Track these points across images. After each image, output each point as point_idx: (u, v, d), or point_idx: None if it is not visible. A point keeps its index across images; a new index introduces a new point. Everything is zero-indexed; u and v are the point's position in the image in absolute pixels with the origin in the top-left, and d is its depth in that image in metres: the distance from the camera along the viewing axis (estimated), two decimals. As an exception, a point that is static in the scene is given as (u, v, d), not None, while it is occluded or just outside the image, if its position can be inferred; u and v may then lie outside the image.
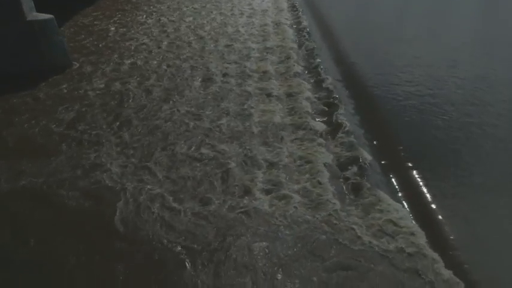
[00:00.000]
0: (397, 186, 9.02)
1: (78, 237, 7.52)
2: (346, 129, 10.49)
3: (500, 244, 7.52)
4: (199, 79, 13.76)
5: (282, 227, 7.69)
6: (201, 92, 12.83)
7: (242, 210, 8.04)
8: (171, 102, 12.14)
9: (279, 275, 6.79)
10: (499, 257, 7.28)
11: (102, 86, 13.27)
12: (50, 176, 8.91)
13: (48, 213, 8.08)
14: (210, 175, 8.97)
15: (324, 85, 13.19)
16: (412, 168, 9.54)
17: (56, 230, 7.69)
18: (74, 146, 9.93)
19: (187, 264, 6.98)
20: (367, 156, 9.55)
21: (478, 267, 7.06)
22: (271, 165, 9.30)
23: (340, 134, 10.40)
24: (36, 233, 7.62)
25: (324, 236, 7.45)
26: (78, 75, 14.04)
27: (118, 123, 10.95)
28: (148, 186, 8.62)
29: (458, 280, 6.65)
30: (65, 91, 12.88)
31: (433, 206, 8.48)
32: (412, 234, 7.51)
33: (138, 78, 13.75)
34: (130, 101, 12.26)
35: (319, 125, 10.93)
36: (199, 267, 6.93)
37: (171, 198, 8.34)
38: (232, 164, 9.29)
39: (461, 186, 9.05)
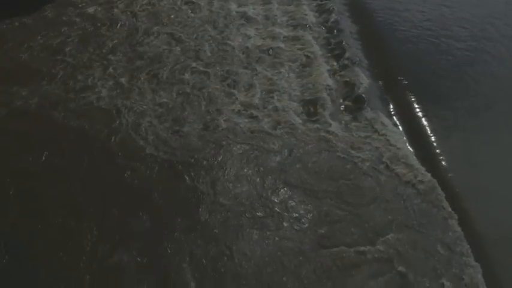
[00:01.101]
0: (391, 107, 9.46)
1: (74, 154, 8.06)
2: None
3: (485, 161, 8.18)
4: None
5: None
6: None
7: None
8: (159, 26, 12.07)
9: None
10: (482, 171, 8.03)
11: (91, 11, 13.09)
12: (42, 98, 9.24)
13: (43, 132, 8.54)
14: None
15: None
16: (409, 92, 9.80)
17: (52, 148, 8.20)
18: (63, 70, 10.15)
19: (185, 176, 7.63)
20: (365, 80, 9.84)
21: (461, 177, 7.92)
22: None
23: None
24: (33, 152, 8.13)
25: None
26: (66, 1, 13.79)
27: (106, 48, 11.02)
28: (137, 106, 9.00)
29: (434, 181, 7.62)
30: (53, 17, 12.75)
31: (427, 128, 8.99)
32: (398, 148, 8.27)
33: (126, 3, 13.51)
34: (118, 26, 12.19)
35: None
36: (194, 177, 7.60)
37: (160, 117, 8.79)
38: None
39: (457, 113, 9.31)
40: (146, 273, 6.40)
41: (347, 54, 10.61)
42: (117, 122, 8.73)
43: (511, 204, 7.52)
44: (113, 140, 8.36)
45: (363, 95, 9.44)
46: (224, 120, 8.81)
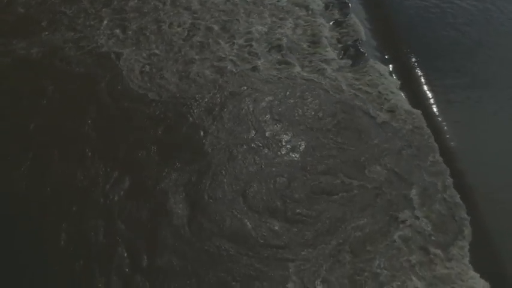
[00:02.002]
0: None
1: (81, 96, 8.49)
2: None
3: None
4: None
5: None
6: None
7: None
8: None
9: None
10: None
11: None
12: (43, 47, 9.55)
13: (46, 78, 8.90)
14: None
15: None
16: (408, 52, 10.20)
17: (57, 92, 8.61)
18: (62, 23, 10.36)
19: (188, 115, 8.16)
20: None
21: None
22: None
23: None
24: (39, 95, 8.52)
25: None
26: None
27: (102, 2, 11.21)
28: (133, 55, 9.40)
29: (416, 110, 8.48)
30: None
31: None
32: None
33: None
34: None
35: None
36: (201, 114, 8.13)
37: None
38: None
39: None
40: (150, 196, 7.02)
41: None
42: (117, 68, 9.09)
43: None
44: (115, 83, 8.76)
45: (361, 49, 9.89)
46: (214, 66, 9.26)
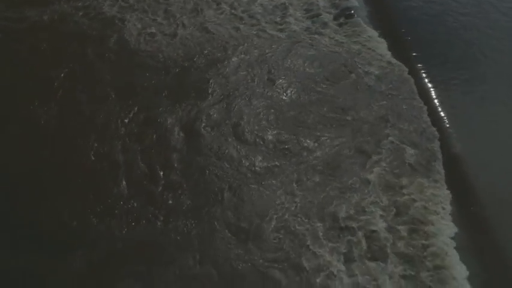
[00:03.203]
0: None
1: (93, 56, 9.55)
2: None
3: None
4: None
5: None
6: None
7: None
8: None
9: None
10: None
11: None
12: (52, 14, 10.53)
13: (60, 39, 9.90)
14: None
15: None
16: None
17: (68, 53, 9.63)
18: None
19: (191, 70, 9.28)
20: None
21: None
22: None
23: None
24: (50, 56, 9.52)
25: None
26: None
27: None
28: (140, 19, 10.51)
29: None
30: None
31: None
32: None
33: None
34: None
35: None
36: (203, 68, 9.27)
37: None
38: None
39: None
40: (160, 126, 8.23)
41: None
42: (124, 29, 10.15)
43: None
44: (123, 40, 9.84)
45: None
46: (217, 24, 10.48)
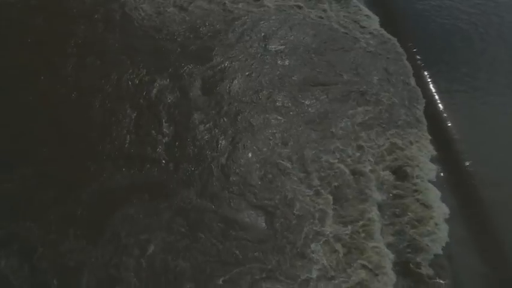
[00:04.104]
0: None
1: (104, 24, 10.49)
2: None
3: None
4: None
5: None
6: None
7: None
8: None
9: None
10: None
11: None
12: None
13: (68, 14, 10.74)
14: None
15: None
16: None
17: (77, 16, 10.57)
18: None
19: (195, 37, 10.31)
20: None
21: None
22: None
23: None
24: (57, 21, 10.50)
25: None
26: None
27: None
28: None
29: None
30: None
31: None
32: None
33: None
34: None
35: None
36: (208, 33, 10.34)
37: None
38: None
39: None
40: (175, 79, 9.11)
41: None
42: (127, 4, 11.03)
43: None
44: (129, 15, 10.74)
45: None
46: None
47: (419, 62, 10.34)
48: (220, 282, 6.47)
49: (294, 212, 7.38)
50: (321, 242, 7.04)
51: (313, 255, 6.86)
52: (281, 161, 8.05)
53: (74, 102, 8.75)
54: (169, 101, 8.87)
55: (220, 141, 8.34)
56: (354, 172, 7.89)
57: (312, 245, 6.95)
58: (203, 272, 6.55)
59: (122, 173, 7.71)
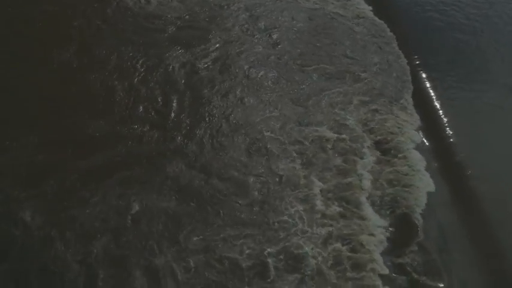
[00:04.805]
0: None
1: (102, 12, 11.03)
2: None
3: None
4: None
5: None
6: None
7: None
8: None
9: None
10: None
11: None
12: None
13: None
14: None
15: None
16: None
17: None
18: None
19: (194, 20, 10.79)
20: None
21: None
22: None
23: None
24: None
25: None
26: None
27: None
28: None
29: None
30: None
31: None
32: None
33: None
34: None
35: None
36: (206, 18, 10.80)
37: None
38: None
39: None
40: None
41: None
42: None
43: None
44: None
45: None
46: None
47: (410, 46, 10.65)
48: (199, 239, 6.84)
49: (277, 179, 7.78)
50: (303, 206, 7.40)
51: (294, 218, 7.23)
52: (268, 134, 8.45)
53: (76, 80, 9.26)
54: (165, 79, 9.35)
55: (211, 116, 8.76)
56: (338, 139, 8.29)
57: (294, 209, 7.31)
58: (185, 228, 6.94)
59: (120, 142, 8.17)
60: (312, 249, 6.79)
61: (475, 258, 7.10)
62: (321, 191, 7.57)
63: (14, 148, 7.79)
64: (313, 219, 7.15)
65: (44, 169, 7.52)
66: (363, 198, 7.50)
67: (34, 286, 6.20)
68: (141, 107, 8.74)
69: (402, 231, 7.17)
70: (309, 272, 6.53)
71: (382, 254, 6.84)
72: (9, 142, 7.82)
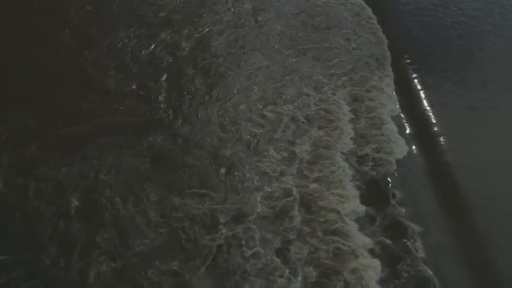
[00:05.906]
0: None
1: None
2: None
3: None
4: None
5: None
6: None
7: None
8: None
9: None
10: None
11: None
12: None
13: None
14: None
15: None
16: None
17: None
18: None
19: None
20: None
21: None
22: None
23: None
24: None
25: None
26: None
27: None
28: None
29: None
30: None
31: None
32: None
33: None
34: None
35: None
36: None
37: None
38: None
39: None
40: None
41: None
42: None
43: None
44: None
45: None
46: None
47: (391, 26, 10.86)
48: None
49: (251, 146, 8.02)
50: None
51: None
52: (252, 108, 8.73)
53: (78, 58, 9.93)
54: (159, 55, 9.88)
55: (198, 90, 9.16)
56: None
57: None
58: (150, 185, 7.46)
59: (109, 113, 8.74)
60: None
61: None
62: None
63: (9, 117, 8.54)
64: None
65: (33, 134, 8.18)
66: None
67: (16, 235, 6.81)
68: (130, 82, 9.30)
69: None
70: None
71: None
72: (5, 111, 8.58)
